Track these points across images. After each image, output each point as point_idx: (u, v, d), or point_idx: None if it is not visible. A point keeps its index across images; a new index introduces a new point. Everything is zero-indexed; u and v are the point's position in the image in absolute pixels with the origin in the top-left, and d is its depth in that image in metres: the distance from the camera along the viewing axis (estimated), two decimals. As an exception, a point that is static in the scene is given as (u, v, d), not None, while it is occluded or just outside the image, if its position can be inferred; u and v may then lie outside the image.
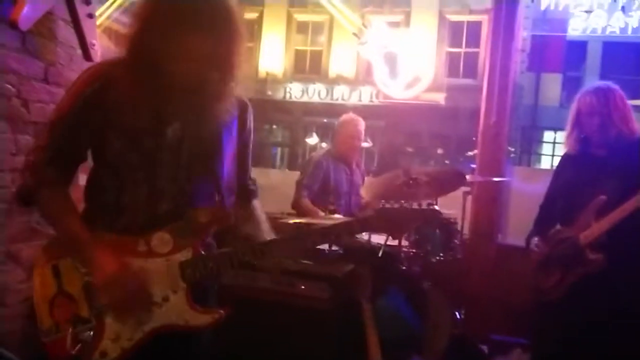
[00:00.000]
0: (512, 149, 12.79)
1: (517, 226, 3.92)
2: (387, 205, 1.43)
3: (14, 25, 2.36)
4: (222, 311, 1.39)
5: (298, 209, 3.45)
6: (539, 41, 13.82)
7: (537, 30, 13.43)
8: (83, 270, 1.35)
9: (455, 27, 13.96)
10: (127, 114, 1.36)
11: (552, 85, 15.46)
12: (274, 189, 4.95)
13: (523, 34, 8.89)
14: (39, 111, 2.63)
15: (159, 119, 1.39)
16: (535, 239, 2.47)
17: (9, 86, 2.47)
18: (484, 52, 12.39)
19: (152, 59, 1.32)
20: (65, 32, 2.72)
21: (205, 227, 1.43)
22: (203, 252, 1.40)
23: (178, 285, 1.36)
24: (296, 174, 3.81)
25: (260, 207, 1.66)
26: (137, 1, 1.38)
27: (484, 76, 3.92)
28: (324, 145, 14.08)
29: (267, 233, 1.58)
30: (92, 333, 1.33)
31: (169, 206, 1.40)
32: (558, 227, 2.41)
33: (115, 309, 1.34)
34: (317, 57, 15.04)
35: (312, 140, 14.47)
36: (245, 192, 1.62)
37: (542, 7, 12.12)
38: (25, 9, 2.35)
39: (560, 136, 14.59)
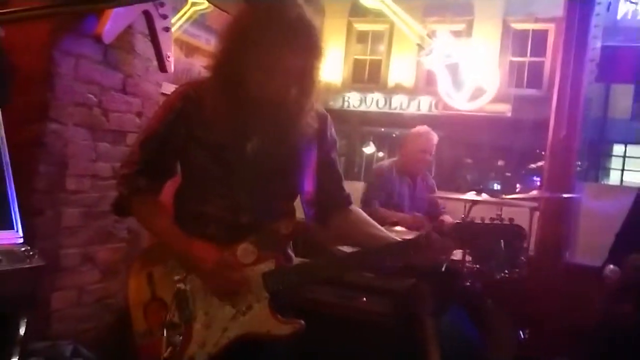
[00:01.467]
0: (579, 163, 12.25)
1: (586, 245, 3.75)
2: (467, 220, 1.40)
3: (98, 38, 2.50)
4: (302, 321, 1.42)
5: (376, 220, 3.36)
6: (609, 51, 13.18)
7: (608, 39, 12.84)
8: (176, 278, 1.41)
9: (520, 36, 13.54)
10: (209, 129, 1.43)
11: (623, 96, 14.71)
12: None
13: (597, 44, 8.47)
14: (116, 120, 2.77)
15: (239, 135, 1.44)
16: (610, 266, 2.39)
17: (91, 96, 2.61)
18: (549, 61, 11.99)
19: (237, 73, 1.37)
20: (143, 45, 2.85)
21: (286, 239, 1.47)
22: (285, 264, 1.45)
23: (261, 295, 1.41)
24: (352, 183, 3.76)
25: (359, 209, 1.65)
26: (225, 20, 1.44)
27: (554, 87, 3.79)
28: (380, 154, 14.01)
29: (382, 230, 1.56)
30: (180, 337, 1.39)
31: (248, 218, 1.45)
32: (635, 254, 2.32)
33: (219, 294, 1.40)
34: (376, 66, 14.94)
35: (369, 149, 14.40)
36: (341, 200, 1.60)
37: (619, 16, 11.56)
38: (108, 24, 2.48)
39: (631, 150, 13.81)
